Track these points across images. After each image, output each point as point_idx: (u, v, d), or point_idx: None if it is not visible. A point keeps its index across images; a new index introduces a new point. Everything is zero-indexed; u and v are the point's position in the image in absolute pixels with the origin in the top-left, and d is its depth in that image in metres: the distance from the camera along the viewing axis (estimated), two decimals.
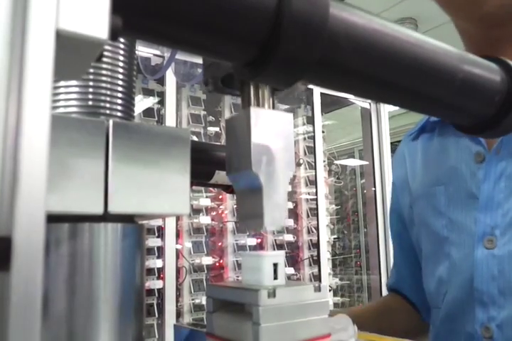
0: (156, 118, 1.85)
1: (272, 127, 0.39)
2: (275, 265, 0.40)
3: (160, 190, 0.36)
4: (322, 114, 2.36)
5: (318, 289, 0.39)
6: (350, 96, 2.44)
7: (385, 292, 2.44)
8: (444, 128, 0.71)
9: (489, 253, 0.60)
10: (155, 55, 1.72)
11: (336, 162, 3.06)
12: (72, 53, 0.20)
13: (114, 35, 0.21)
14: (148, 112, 1.85)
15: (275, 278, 0.39)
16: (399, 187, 0.83)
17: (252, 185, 0.39)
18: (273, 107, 0.39)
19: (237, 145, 0.40)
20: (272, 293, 0.36)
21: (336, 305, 2.40)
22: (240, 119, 0.39)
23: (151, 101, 1.89)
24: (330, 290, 2.27)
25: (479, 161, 0.64)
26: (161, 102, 1.87)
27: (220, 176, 0.54)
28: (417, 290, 0.78)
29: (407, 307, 0.81)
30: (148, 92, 1.87)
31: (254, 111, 0.37)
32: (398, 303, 0.83)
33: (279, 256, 0.40)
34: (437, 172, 0.70)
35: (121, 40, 0.40)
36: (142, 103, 1.88)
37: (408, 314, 0.81)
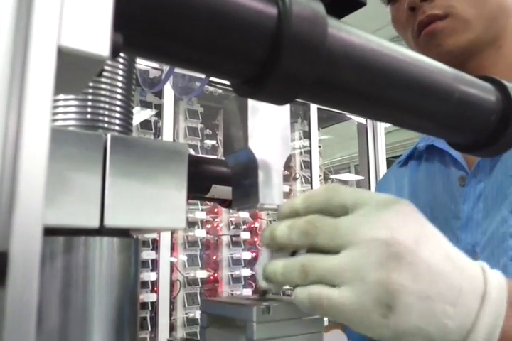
0: (153, 131, 1.86)
1: (268, 110, 0.39)
2: None
3: (156, 205, 0.36)
4: (319, 129, 2.37)
5: None
6: (347, 112, 2.46)
7: None
8: (431, 155, 0.74)
9: None
10: (153, 67, 1.73)
11: (331, 176, 3.07)
12: (73, 69, 0.21)
13: (115, 52, 0.21)
14: (145, 124, 1.85)
15: None
16: None
17: (247, 164, 0.40)
18: None
19: (234, 126, 0.40)
20: (266, 309, 0.36)
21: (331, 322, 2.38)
22: (237, 102, 0.40)
23: (148, 114, 1.89)
24: None
25: (462, 185, 0.66)
26: (159, 115, 1.87)
27: (217, 190, 0.54)
28: None
29: None
30: (145, 104, 1.87)
31: None
32: None
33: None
34: (424, 196, 0.72)
35: (121, 54, 0.40)
36: (139, 115, 1.88)
37: None
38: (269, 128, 0.40)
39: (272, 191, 0.39)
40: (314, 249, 0.33)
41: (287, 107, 0.42)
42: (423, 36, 0.63)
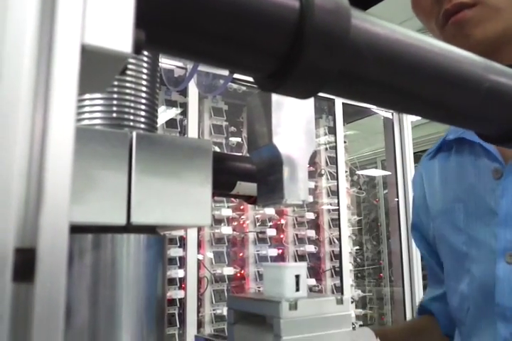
0: (179, 129, 1.87)
1: (292, 105, 0.39)
2: (297, 276, 0.39)
3: (182, 202, 0.36)
4: (344, 124, 2.35)
5: (340, 301, 0.39)
6: (373, 106, 2.43)
7: (408, 304, 2.39)
8: (460, 147, 0.72)
9: (511, 268, 0.59)
10: (178, 66, 1.74)
11: (358, 172, 3.04)
12: (97, 67, 0.21)
13: (137, 49, 0.21)
14: (171, 123, 1.87)
15: (297, 289, 0.39)
16: (418, 206, 0.82)
17: (272, 160, 0.39)
18: None
19: (258, 122, 0.40)
20: (294, 305, 0.36)
21: (357, 317, 2.36)
22: (261, 98, 0.39)
23: (173, 112, 1.91)
24: (352, 302, 2.24)
25: (497, 177, 0.63)
26: (184, 113, 1.89)
27: (242, 187, 0.54)
28: (446, 310, 0.76)
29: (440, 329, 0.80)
30: (171, 103, 1.89)
31: None
32: (432, 324, 0.81)
33: (301, 268, 0.40)
34: (456, 189, 0.70)
35: (145, 53, 0.41)
36: (165, 114, 1.90)
37: (441, 336, 0.79)
38: (293, 123, 0.40)
39: (297, 187, 0.39)
40: None
41: (311, 102, 0.41)
42: (450, 26, 0.61)
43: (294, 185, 0.39)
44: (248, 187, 0.53)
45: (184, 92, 1.87)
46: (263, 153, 0.41)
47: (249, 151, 0.43)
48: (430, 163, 0.78)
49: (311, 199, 2.24)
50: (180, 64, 1.74)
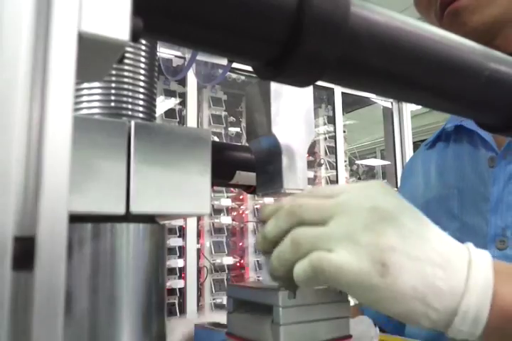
0: (178, 119, 1.87)
1: (291, 95, 0.39)
2: None
3: (181, 191, 0.36)
4: (343, 114, 2.35)
5: (339, 290, 0.39)
6: (372, 96, 2.42)
7: None
8: (459, 136, 0.72)
9: (502, 254, 0.60)
10: (176, 56, 1.73)
11: (357, 162, 3.04)
12: (94, 55, 0.21)
13: (135, 36, 0.21)
14: (170, 113, 1.86)
15: None
16: (409, 197, 0.82)
17: (271, 149, 0.39)
18: None
19: (257, 111, 0.40)
20: (292, 294, 0.36)
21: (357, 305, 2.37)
22: (260, 87, 0.39)
23: (172, 102, 1.90)
24: None
25: (492, 166, 0.64)
26: (183, 103, 1.88)
27: (241, 176, 0.54)
28: None
29: None
30: (169, 93, 1.88)
31: None
32: None
33: None
34: (451, 177, 0.71)
35: (143, 42, 0.40)
36: (164, 104, 1.89)
37: None
38: (292, 112, 0.40)
39: (296, 176, 0.39)
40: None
41: (310, 91, 0.41)
42: (446, 15, 0.61)
43: (293, 174, 0.39)
44: (247, 177, 0.53)
45: (183, 82, 1.86)
46: (262, 142, 0.41)
47: (248, 140, 0.43)
48: (427, 153, 0.79)
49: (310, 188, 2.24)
50: (178, 53, 1.73)
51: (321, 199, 0.34)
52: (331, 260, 0.31)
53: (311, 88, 0.40)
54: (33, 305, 0.15)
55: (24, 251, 0.16)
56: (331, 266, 0.30)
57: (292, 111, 0.40)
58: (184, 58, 1.78)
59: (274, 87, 0.39)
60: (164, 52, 1.68)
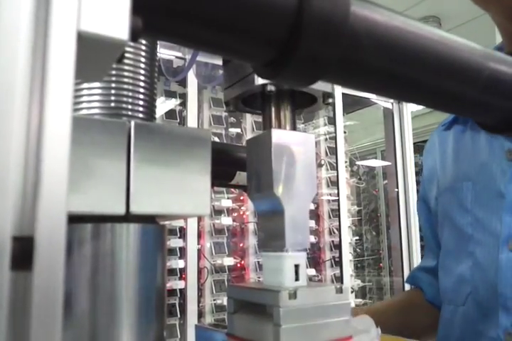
0: (178, 120, 1.86)
1: (293, 148, 0.38)
2: (296, 266, 0.39)
3: (181, 191, 0.36)
4: (344, 115, 2.35)
5: (339, 291, 0.39)
6: (372, 97, 2.42)
7: None
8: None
9: None
10: (177, 57, 1.73)
11: (357, 163, 3.04)
12: (94, 54, 0.21)
13: (134, 35, 0.21)
14: (170, 114, 1.86)
15: (296, 279, 0.39)
16: (427, 178, 0.81)
17: (273, 207, 0.39)
18: (294, 128, 0.39)
19: (258, 166, 0.39)
20: (293, 294, 0.36)
21: (357, 306, 2.38)
22: (261, 140, 0.39)
23: (173, 103, 1.90)
24: (352, 292, 2.25)
25: (511, 159, 0.62)
26: (183, 104, 1.88)
27: (241, 177, 0.54)
28: (435, 283, 0.76)
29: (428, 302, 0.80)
30: (170, 94, 1.88)
31: (276, 133, 0.37)
32: (420, 298, 0.81)
33: (301, 257, 0.40)
34: (467, 167, 0.69)
35: (143, 42, 0.40)
36: (164, 105, 1.89)
37: (430, 308, 0.80)
38: (294, 169, 0.38)
39: (298, 235, 0.38)
40: None
41: (312, 143, 0.39)
42: None
43: (296, 233, 0.38)
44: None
45: (183, 83, 1.86)
46: (263, 198, 0.40)
47: (250, 195, 0.42)
48: (445, 134, 0.76)
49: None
50: (179, 54, 1.73)
51: None
52: None
53: (313, 140, 0.39)
54: (31, 305, 0.15)
55: (23, 251, 0.16)
56: None
57: (294, 166, 0.38)
58: (185, 59, 1.78)
59: (276, 140, 0.37)
60: (165, 53, 1.69)
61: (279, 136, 0.37)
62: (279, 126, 0.39)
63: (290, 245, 0.38)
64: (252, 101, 0.41)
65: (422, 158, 0.86)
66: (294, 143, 0.38)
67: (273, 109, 0.38)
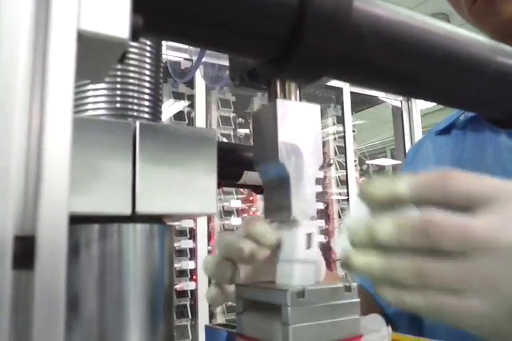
0: (187, 121, 1.87)
1: (298, 119, 0.38)
2: (309, 235, 0.38)
3: (187, 190, 0.36)
4: (352, 114, 2.34)
5: (348, 289, 0.38)
6: (381, 95, 2.41)
7: None
8: (478, 125, 0.69)
9: None
10: (185, 58, 1.74)
11: (367, 162, 3.03)
12: (94, 54, 0.21)
13: (135, 34, 0.21)
14: (179, 115, 1.87)
15: (308, 247, 0.38)
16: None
17: (279, 176, 0.39)
18: (300, 99, 0.39)
19: (264, 137, 0.39)
20: (301, 293, 0.36)
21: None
22: (266, 112, 0.39)
23: (181, 105, 1.91)
24: None
25: None
26: (192, 105, 1.88)
27: (249, 176, 0.53)
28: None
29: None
30: (178, 96, 1.89)
31: (281, 103, 0.37)
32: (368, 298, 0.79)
33: (313, 226, 0.39)
34: (470, 167, 0.68)
35: (148, 42, 0.40)
36: (173, 106, 1.90)
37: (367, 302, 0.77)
38: (300, 138, 0.38)
39: (304, 203, 0.38)
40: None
41: (318, 114, 0.39)
42: (479, 3, 0.58)
43: (302, 202, 0.38)
44: (255, 177, 0.52)
45: (191, 84, 1.86)
46: (269, 168, 0.40)
47: (256, 166, 0.42)
48: (440, 140, 0.74)
49: (320, 189, 2.23)
50: (186, 56, 1.73)
51: (463, 215, 0.27)
52: (454, 307, 0.27)
53: (318, 111, 0.39)
54: (33, 304, 0.15)
55: (24, 251, 0.16)
56: (452, 313, 0.27)
57: (300, 136, 0.39)
58: (192, 60, 1.78)
59: (281, 111, 0.37)
60: (172, 54, 1.69)
61: (285, 106, 0.37)
62: (284, 97, 0.39)
63: (296, 214, 0.38)
64: (257, 76, 0.40)
65: (405, 162, 0.84)
66: (299, 112, 0.38)
67: (278, 81, 0.38)
